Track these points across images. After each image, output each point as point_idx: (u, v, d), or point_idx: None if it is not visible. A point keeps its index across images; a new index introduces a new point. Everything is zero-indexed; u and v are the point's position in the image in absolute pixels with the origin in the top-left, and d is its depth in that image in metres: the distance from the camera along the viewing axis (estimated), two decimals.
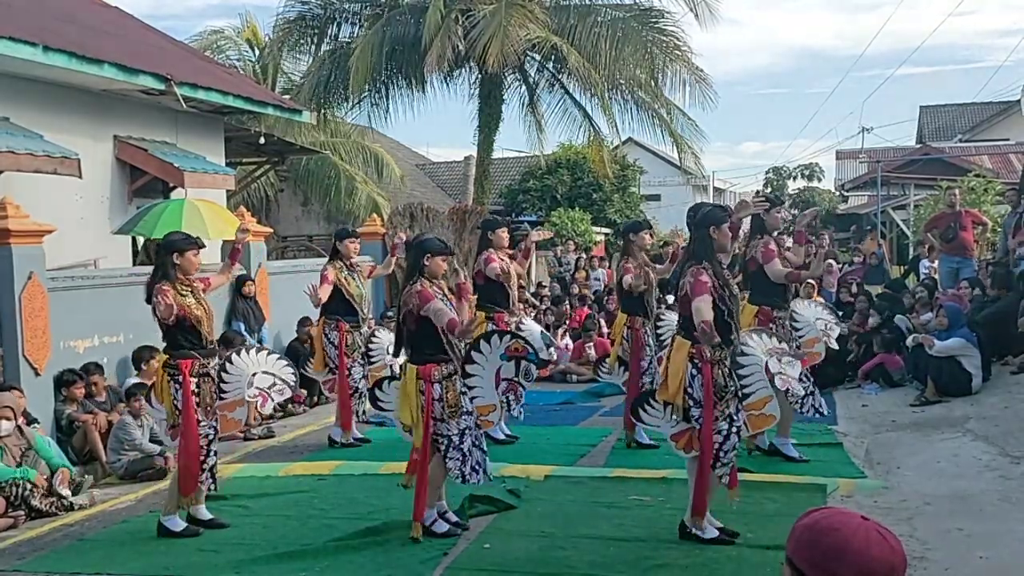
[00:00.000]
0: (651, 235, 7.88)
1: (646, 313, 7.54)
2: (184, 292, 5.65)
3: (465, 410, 5.37)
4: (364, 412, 8.20)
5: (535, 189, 24.40)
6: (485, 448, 5.50)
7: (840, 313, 11.22)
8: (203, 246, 5.85)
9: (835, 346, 7.42)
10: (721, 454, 5.05)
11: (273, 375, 5.85)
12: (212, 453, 5.71)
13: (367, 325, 8.27)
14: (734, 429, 5.09)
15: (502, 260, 7.85)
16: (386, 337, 7.90)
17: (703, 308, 4.87)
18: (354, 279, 8.10)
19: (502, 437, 7.84)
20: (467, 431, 5.35)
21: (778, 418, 5.44)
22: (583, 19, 18.52)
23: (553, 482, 6.64)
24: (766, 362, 5.26)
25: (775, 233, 7.07)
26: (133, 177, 11.54)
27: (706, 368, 5.03)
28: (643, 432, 7.60)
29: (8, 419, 6.45)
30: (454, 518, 5.58)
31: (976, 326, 9.39)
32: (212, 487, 5.77)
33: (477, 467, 5.38)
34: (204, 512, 5.79)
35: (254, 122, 16.23)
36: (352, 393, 8.05)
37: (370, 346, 8.03)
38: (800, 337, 6.99)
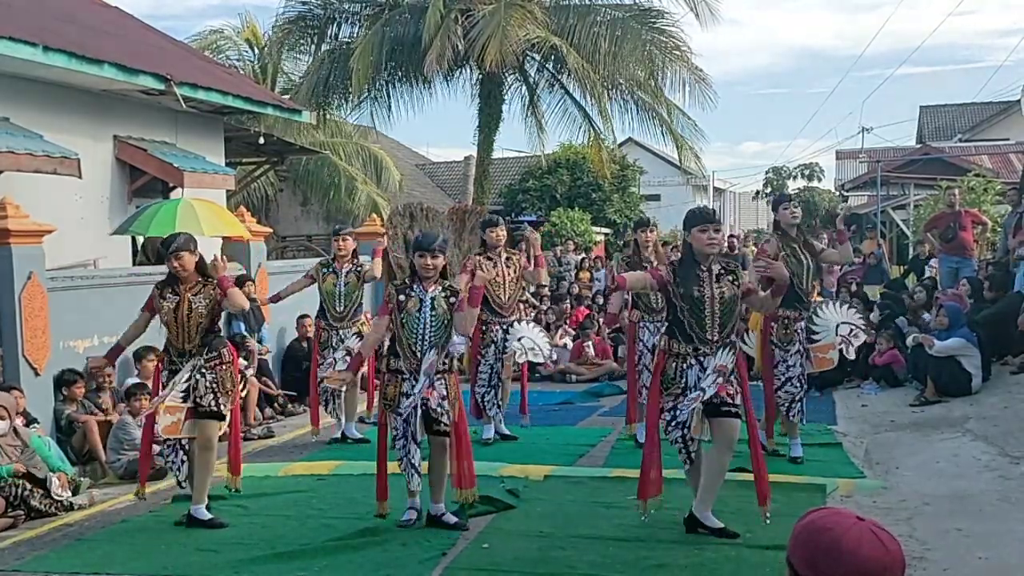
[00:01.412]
0: (653, 232, 7.79)
1: (644, 308, 7.58)
2: (169, 295, 5.78)
3: (396, 410, 5.50)
4: (334, 411, 8.30)
5: (535, 189, 24.42)
6: (417, 464, 5.54)
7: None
8: (177, 250, 5.72)
9: (851, 356, 6.99)
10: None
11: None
12: (173, 444, 5.88)
13: (356, 325, 8.17)
14: (671, 426, 5.24)
15: (488, 260, 7.77)
16: (352, 343, 7.96)
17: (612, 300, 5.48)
18: (336, 276, 8.09)
19: (490, 436, 7.88)
20: (395, 429, 5.54)
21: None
22: (583, 19, 18.53)
23: (552, 482, 6.64)
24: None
25: (793, 230, 6.94)
26: (133, 177, 11.54)
27: (660, 356, 5.35)
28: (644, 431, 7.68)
29: (3, 418, 6.45)
30: (453, 519, 5.59)
31: (976, 326, 9.39)
32: (180, 483, 6.03)
33: (406, 469, 5.55)
34: (203, 512, 5.81)
35: (254, 122, 16.23)
36: (320, 392, 8.18)
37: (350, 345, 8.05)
38: (815, 341, 6.88)
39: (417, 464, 5.56)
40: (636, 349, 7.65)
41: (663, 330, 5.44)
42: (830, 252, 7.26)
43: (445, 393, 5.53)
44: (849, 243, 7.41)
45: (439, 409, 5.49)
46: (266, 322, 10.45)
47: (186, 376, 5.76)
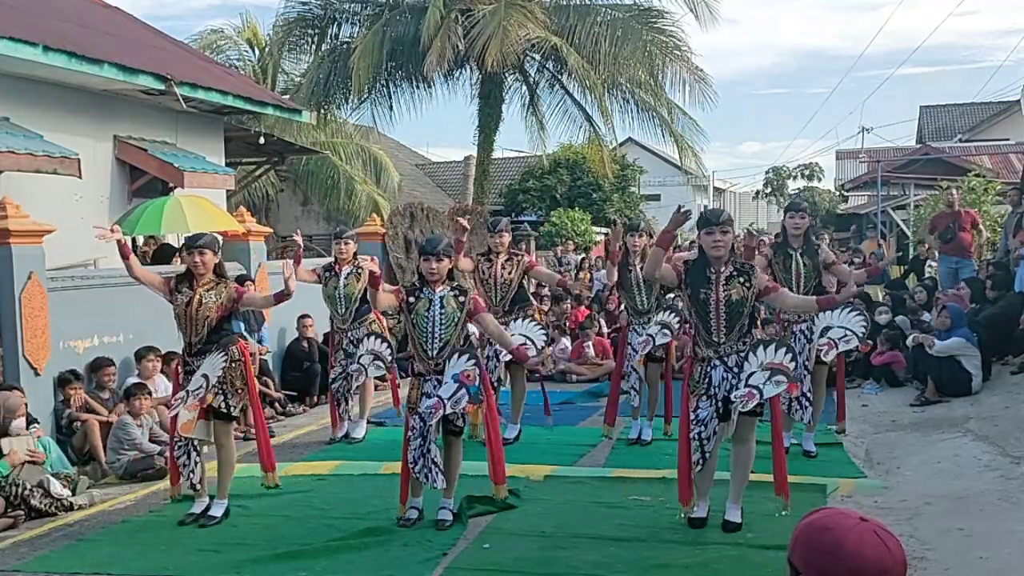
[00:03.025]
0: (642, 238, 7.68)
1: (630, 311, 7.64)
2: (184, 290, 5.82)
3: (416, 411, 5.52)
4: (346, 412, 8.36)
5: (535, 189, 24.41)
6: (433, 459, 5.55)
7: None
8: (202, 245, 5.84)
9: (827, 359, 6.90)
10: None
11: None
12: (184, 446, 5.88)
13: (365, 325, 8.17)
14: (696, 425, 5.25)
15: (487, 262, 7.73)
16: (370, 344, 7.94)
17: None
18: (337, 279, 8.10)
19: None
20: (412, 430, 5.57)
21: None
22: (583, 19, 18.55)
23: (553, 482, 6.64)
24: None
25: (796, 240, 6.91)
26: (133, 177, 11.54)
27: (688, 362, 5.49)
28: (649, 430, 7.68)
29: (21, 415, 6.57)
30: (447, 516, 5.63)
31: (977, 326, 9.39)
32: (194, 485, 5.97)
33: (424, 470, 5.58)
34: (220, 509, 5.91)
35: (254, 122, 16.23)
36: (335, 393, 8.29)
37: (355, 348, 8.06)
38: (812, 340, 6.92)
39: (440, 462, 5.58)
40: (626, 352, 7.66)
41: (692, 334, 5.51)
42: (842, 269, 7.18)
43: None
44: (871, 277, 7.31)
45: (453, 409, 5.52)
46: (266, 322, 10.44)
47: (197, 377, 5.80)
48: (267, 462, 6.16)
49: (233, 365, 5.87)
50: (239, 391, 5.89)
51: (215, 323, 5.83)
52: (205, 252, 5.82)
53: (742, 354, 5.18)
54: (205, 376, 5.75)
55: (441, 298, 5.58)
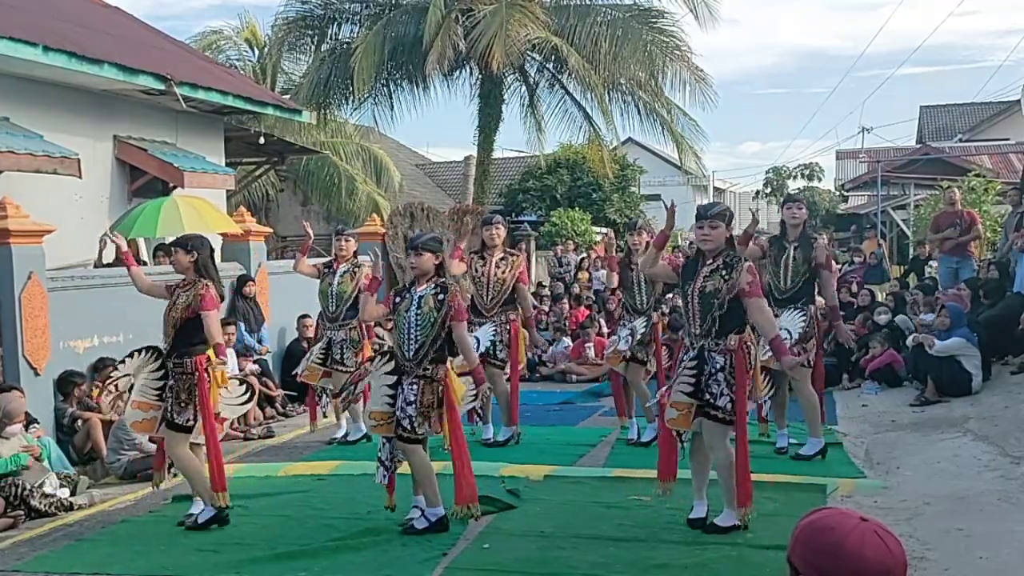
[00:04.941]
0: (642, 235, 7.72)
1: (628, 307, 7.65)
2: (172, 293, 5.86)
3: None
4: (324, 407, 8.58)
5: (535, 189, 24.36)
6: (383, 460, 5.56)
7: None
8: (172, 244, 5.91)
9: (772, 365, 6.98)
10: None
11: None
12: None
13: (346, 330, 8.06)
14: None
15: (481, 260, 7.74)
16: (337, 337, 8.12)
17: None
18: (333, 276, 8.10)
19: (489, 436, 7.85)
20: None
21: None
22: (583, 19, 18.53)
23: (553, 482, 6.64)
24: None
25: (794, 231, 6.97)
26: (133, 177, 11.54)
27: (678, 347, 5.62)
28: (652, 430, 7.70)
29: (20, 422, 6.57)
30: (417, 523, 5.54)
31: (976, 326, 9.38)
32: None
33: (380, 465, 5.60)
34: (206, 514, 5.83)
35: (254, 122, 16.23)
36: (315, 391, 8.40)
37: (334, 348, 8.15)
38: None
39: (385, 459, 5.56)
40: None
41: None
42: (826, 276, 7.23)
43: (412, 399, 5.39)
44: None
45: (400, 413, 5.41)
46: (266, 322, 10.45)
47: (160, 374, 5.77)
48: (217, 482, 5.74)
49: (185, 377, 5.66)
50: (183, 404, 5.66)
51: (179, 324, 5.69)
52: (176, 251, 5.83)
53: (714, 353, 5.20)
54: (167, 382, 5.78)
55: (420, 297, 5.47)
